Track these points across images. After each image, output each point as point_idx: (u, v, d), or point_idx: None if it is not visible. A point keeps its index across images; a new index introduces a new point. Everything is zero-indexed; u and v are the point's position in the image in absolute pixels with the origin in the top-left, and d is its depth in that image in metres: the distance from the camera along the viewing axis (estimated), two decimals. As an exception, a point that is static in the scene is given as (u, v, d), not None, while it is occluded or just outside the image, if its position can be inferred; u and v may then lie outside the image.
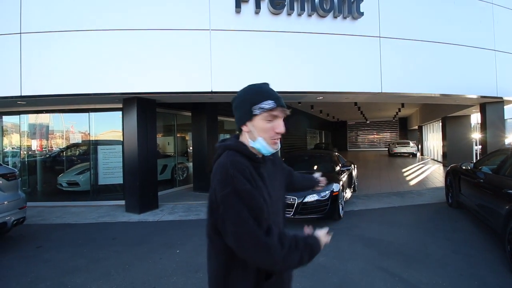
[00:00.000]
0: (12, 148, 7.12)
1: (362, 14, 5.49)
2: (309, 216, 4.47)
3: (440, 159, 14.65)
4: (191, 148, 8.92)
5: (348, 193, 5.82)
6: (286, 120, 1.00)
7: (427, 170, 11.85)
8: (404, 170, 11.94)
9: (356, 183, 7.27)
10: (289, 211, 4.44)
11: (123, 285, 2.87)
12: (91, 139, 6.74)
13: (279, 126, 0.96)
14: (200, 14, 5.14)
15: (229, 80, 5.23)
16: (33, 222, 5.07)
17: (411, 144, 19.49)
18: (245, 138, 1.00)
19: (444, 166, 12.55)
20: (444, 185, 6.12)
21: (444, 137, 13.28)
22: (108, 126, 6.93)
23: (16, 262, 3.44)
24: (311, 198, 4.47)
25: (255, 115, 0.94)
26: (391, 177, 9.87)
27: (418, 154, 19.72)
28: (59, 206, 6.27)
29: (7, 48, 5.01)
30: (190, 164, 8.80)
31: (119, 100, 5.82)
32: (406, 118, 26.29)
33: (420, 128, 20.98)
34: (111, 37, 5.04)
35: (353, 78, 5.67)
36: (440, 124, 13.92)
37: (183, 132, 9.04)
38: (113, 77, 5.07)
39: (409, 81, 5.97)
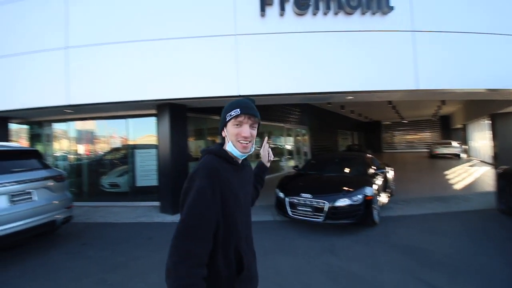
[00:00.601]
0: (62, 152, 7.85)
1: (392, 8, 5.20)
2: (341, 221, 4.30)
3: (489, 160, 13.29)
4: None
5: (384, 198, 5.50)
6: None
7: (474, 172, 10.82)
8: (447, 173, 11.03)
9: (393, 187, 6.85)
10: (320, 215, 4.31)
11: (158, 283, 2.99)
12: (129, 143, 7.21)
13: (243, 131, 1.12)
14: (226, 20, 5.25)
15: (256, 83, 5.26)
16: (79, 220, 5.51)
17: (455, 144, 17.94)
18: (226, 144, 1.19)
19: (494, 168, 11.36)
20: (494, 189, 5.52)
21: (494, 137, 12.03)
22: (144, 131, 7.33)
23: (63, 257, 3.76)
24: (342, 202, 4.29)
25: (228, 121, 1.14)
26: (433, 181, 9.14)
27: (464, 155, 18.09)
28: (102, 206, 6.77)
29: (54, 61, 5.55)
30: (220, 167, 8.96)
31: (153, 106, 6.16)
32: (448, 116, 24.29)
33: (464, 127, 19.26)
34: (145, 47, 5.35)
35: (385, 75, 5.35)
36: (488, 122, 12.64)
37: (213, 135, 9.25)
38: (148, 84, 5.37)
39: (449, 76, 5.49)
